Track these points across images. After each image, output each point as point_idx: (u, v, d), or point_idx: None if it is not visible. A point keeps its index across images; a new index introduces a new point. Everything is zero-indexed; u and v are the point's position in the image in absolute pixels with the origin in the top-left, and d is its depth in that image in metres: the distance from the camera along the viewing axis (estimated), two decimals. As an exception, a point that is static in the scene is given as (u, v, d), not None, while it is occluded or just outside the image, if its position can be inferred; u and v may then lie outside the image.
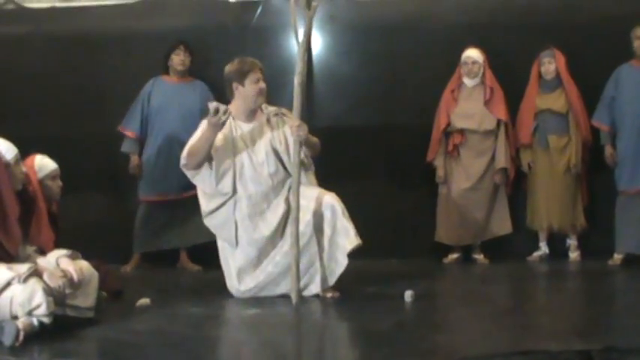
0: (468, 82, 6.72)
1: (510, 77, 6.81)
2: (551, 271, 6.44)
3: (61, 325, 4.08)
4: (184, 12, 7.01)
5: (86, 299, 4.29)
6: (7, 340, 3.87)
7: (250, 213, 5.13)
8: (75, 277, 4.20)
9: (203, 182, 5.17)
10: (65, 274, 4.18)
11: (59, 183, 5.04)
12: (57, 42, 6.89)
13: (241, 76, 5.14)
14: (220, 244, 5.30)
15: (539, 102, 6.69)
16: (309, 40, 5.11)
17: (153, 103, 6.56)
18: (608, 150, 6.55)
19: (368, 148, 6.87)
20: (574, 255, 6.71)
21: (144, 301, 4.94)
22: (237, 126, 5.19)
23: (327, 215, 5.07)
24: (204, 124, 5.08)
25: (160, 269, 6.56)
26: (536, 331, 4.19)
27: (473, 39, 6.73)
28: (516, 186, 6.86)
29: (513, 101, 6.73)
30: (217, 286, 5.37)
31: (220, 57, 6.80)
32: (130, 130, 6.56)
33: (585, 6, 6.95)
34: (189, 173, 5.18)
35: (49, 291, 4.00)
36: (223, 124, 4.98)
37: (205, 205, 5.22)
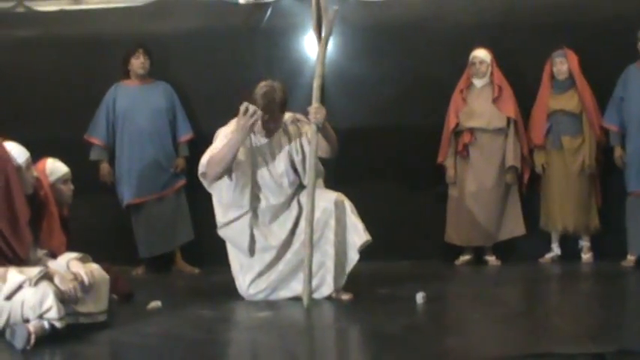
0: (476, 82, 6.70)
1: (520, 77, 6.79)
2: (563, 272, 6.41)
3: (71, 329, 4.09)
4: (193, 14, 7.00)
5: (97, 303, 4.29)
6: (19, 344, 3.88)
7: (267, 222, 5.16)
8: (86, 280, 4.21)
9: (220, 192, 5.17)
10: (76, 277, 4.19)
11: (71, 187, 5.05)
12: (66, 45, 6.89)
13: (254, 104, 5.01)
14: (231, 247, 5.30)
15: (552, 102, 6.65)
16: (327, 43, 5.10)
17: (118, 108, 6.56)
18: (617, 151, 6.52)
19: (378, 149, 6.85)
20: (586, 256, 6.67)
21: (155, 304, 4.94)
22: (257, 139, 5.16)
23: (336, 213, 5.08)
24: (223, 133, 5.08)
25: (166, 273, 6.58)
26: (549, 334, 4.17)
27: (483, 39, 6.71)
28: (531, 187, 6.82)
29: (523, 101, 6.70)
30: (227, 289, 5.37)
31: (229, 58, 6.86)
32: (96, 137, 6.56)
33: (595, 5, 6.92)
34: (205, 182, 5.15)
35: (59, 294, 4.01)
36: (252, 127, 4.93)
37: (221, 215, 5.23)
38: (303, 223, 5.07)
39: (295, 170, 5.20)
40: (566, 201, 6.61)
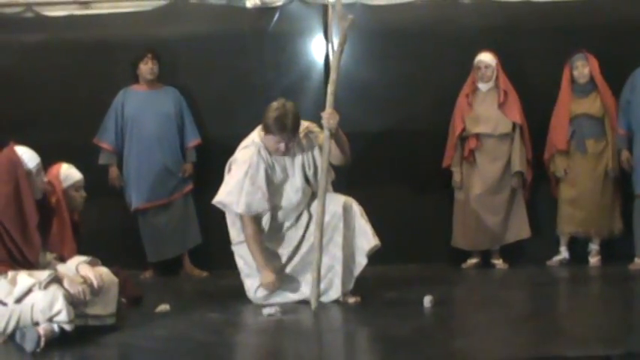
0: (481, 86, 6.71)
1: (526, 81, 6.79)
2: (571, 275, 6.40)
3: (81, 331, 4.11)
4: (202, 18, 7.02)
5: (107, 306, 4.32)
6: (29, 346, 3.91)
7: (280, 231, 5.21)
8: (95, 283, 4.24)
9: (236, 217, 5.22)
10: (85, 281, 4.21)
11: (83, 194, 5.06)
12: (75, 50, 6.90)
13: (266, 129, 5.05)
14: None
15: (574, 107, 6.61)
16: (342, 50, 5.13)
17: (127, 113, 6.59)
18: (624, 154, 6.50)
19: (385, 152, 6.86)
20: (594, 260, 6.66)
21: (163, 307, 4.97)
22: (275, 160, 5.16)
23: (345, 217, 5.10)
24: (241, 164, 5.13)
25: (174, 276, 6.59)
26: (557, 337, 4.18)
27: (490, 43, 6.71)
28: (535, 191, 6.82)
29: (529, 106, 6.70)
30: (235, 292, 5.39)
31: (237, 63, 6.88)
32: (105, 142, 6.59)
33: (602, 8, 6.91)
34: (226, 208, 5.21)
35: (69, 297, 4.03)
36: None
37: (235, 235, 5.28)
38: (312, 227, 5.10)
39: (308, 181, 5.23)
40: (591, 204, 6.58)
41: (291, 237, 5.23)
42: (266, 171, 5.10)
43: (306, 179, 5.22)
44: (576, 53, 6.62)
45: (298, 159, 5.21)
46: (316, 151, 5.20)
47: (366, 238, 5.09)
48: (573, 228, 6.67)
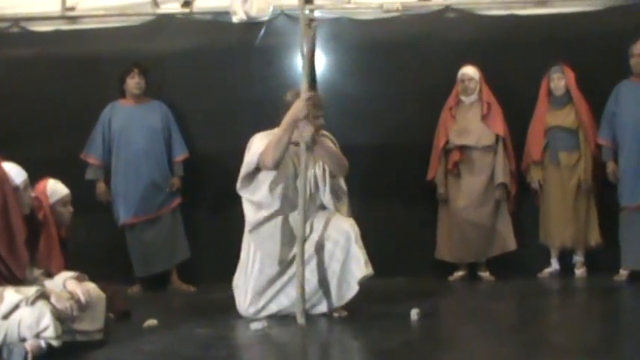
0: (465, 99, 6.76)
1: (510, 94, 6.84)
2: (557, 288, 6.44)
3: (69, 347, 4.10)
4: (188, 33, 7.06)
5: (94, 322, 4.31)
6: (16, 363, 3.89)
7: (291, 232, 5.17)
8: (82, 298, 4.23)
9: (254, 190, 5.19)
10: (72, 296, 4.20)
11: (70, 209, 5.06)
12: (62, 65, 6.93)
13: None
14: (244, 258, 5.33)
15: (550, 118, 6.70)
16: (312, 58, 5.13)
17: (114, 127, 6.60)
18: (610, 166, 6.56)
19: (371, 166, 6.88)
20: (580, 271, 6.70)
21: (151, 322, 4.96)
22: (287, 155, 5.17)
23: (341, 241, 5.07)
24: (258, 137, 5.17)
25: (162, 291, 6.58)
26: (543, 349, 4.19)
27: (474, 57, 6.78)
28: (522, 202, 6.86)
29: (513, 118, 6.75)
30: (223, 306, 5.39)
31: (224, 77, 6.90)
32: (92, 157, 6.59)
33: (586, 22, 6.99)
34: (243, 190, 5.21)
35: (56, 313, 4.02)
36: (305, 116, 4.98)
37: (252, 215, 5.22)
38: (309, 243, 5.09)
39: (317, 186, 5.23)
40: (564, 216, 6.64)
41: (291, 247, 5.20)
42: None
43: (316, 182, 5.22)
44: (554, 66, 6.68)
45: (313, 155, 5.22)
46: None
47: (359, 266, 5.08)
48: (551, 239, 6.72)
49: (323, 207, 5.26)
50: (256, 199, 5.20)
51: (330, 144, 5.22)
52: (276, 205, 5.16)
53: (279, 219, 5.17)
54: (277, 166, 5.06)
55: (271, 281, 5.18)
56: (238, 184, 5.22)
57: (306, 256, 5.03)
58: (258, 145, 5.14)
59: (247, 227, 5.27)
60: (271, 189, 5.15)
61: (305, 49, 5.07)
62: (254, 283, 5.20)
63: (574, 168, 6.66)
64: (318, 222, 5.15)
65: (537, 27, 6.98)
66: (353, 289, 5.08)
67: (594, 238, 6.68)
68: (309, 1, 6.80)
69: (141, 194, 6.53)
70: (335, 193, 5.24)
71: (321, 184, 5.22)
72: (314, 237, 5.09)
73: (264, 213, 5.18)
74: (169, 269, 6.69)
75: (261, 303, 5.19)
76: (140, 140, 6.58)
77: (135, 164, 6.56)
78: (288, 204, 5.17)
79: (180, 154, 6.72)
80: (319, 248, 5.08)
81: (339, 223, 5.13)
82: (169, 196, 6.65)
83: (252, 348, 4.51)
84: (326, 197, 5.21)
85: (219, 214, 6.86)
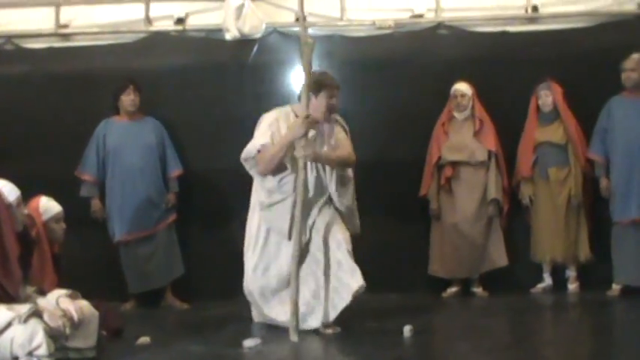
0: (457, 115, 6.79)
1: (503, 110, 6.87)
2: (550, 303, 6.45)
3: (61, 365, 4.09)
4: (182, 50, 7.07)
5: (87, 339, 4.29)
6: (9, 381, 3.88)
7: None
8: (75, 316, 4.21)
9: (265, 179, 5.30)
10: (65, 314, 4.19)
11: (63, 226, 5.06)
12: (55, 82, 6.93)
13: (317, 88, 5.25)
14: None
15: (538, 134, 6.73)
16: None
17: (108, 144, 6.60)
18: (603, 182, 6.58)
19: (364, 182, 6.83)
20: (573, 286, 6.72)
21: (144, 339, 4.95)
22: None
23: (334, 251, 5.13)
24: (267, 121, 5.31)
25: (155, 308, 6.57)
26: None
27: (466, 73, 6.81)
28: (514, 218, 6.88)
29: (505, 134, 6.78)
30: (216, 324, 5.38)
31: (217, 94, 6.92)
32: (87, 174, 6.59)
33: (578, 38, 7.03)
34: (249, 168, 5.33)
35: (49, 331, 4.01)
36: (306, 133, 5.11)
37: (265, 197, 5.32)
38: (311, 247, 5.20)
39: (324, 171, 5.32)
40: (554, 231, 6.66)
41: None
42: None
43: (323, 167, 5.31)
44: (542, 82, 6.72)
45: (319, 141, 5.32)
46: (333, 139, 5.36)
47: (354, 277, 5.09)
48: (541, 255, 6.73)
49: (329, 199, 5.33)
50: (267, 187, 5.30)
51: (335, 156, 5.31)
52: (287, 192, 5.24)
53: (290, 201, 5.23)
54: (274, 174, 5.23)
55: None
56: (243, 156, 5.31)
57: (301, 265, 5.07)
58: (261, 134, 5.28)
59: (258, 207, 5.36)
60: (281, 179, 5.26)
61: (304, 67, 5.14)
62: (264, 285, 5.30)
63: (564, 183, 6.68)
64: (316, 231, 5.19)
65: (529, 44, 7.03)
66: (344, 301, 5.10)
67: (584, 253, 6.69)
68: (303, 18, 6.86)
69: (137, 211, 6.52)
70: (340, 180, 5.34)
71: (327, 172, 5.31)
72: (311, 244, 5.16)
73: (277, 197, 5.28)
74: (164, 286, 6.67)
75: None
76: (135, 157, 6.58)
77: (130, 181, 6.55)
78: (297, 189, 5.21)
79: (175, 170, 6.73)
80: (313, 258, 5.12)
81: (338, 238, 5.16)
82: (165, 212, 6.64)
83: (245, 365, 4.51)
84: (332, 186, 5.30)
85: (212, 231, 6.86)
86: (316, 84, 5.24)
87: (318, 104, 5.27)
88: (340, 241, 5.15)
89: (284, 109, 5.43)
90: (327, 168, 5.31)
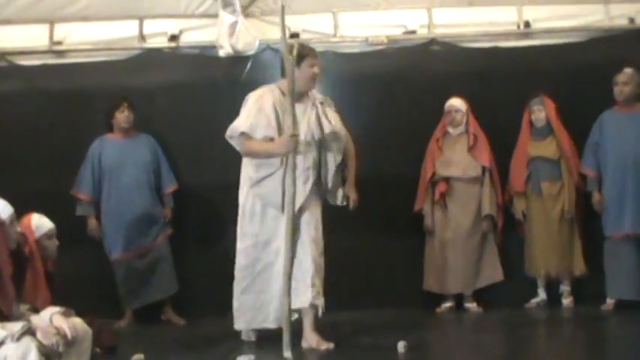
0: (451, 130, 6.81)
1: (497, 126, 6.89)
2: (544, 318, 6.45)
3: (54, 383, 4.07)
4: (176, 67, 7.08)
5: (80, 357, 4.28)
6: (1, 400, 3.86)
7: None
8: (69, 334, 4.20)
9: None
10: (59, 332, 4.18)
11: (55, 242, 5.04)
12: (49, 98, 6.92)
13: (299, 59, 5.29)
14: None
15: (531, 149, 6.75)
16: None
17: (104, 162, 6.60)
18: (595, 196, 6.59)
19: (359, 197, 6.89)
20: (567, 301, 6.72)
21: (138, 356, 4.94)
22: (285, 109, 5.30)
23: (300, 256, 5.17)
24: (253, 98, 5.42)
25: (149, 324, 6.55)
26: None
27: (459, 88, 6.83)
28: (507, 233, 6.89)
29: (499, 149, 6.80)
30: (210, 341, 5.37)
31: (211, 111, 6.92)
32: (83, 193, 6.58)
33: (571, 53, 7.06)
34: (234, 144, 5.41)
35: (42, 349, 4.00)
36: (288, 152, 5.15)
37: (253, 172, 5.35)
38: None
39: (314, 145, 5.37)
40: (548, 246, 6.67)
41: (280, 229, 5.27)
42: (274, 105, 5.30)
43: (314, 140, 5.35)
44: (534, 97, 6.74)
45: (310, 115, 5.38)
46: (324, 119, 5.41)
47: (299, 299, 5.12)
48: (535, 269, 6.74)
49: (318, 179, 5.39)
50: (254, 161, 5.35)
51: (354, 170, 5.58)
52: (276, 165, 5.27)
53: (279, 174, 5.26)
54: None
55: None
56: (227, 134, 5.40)
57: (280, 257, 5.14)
58: (247, 112, 5.36)
59: (248, 183, 5.38)
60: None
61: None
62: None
63: (557, 198, 6.69)
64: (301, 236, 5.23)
65: (521, 59, 7.05)
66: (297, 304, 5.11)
67: (579, 267, 6.70)
68: (295, 35, 6.89)
69: (134, 228, 6.51)
70: (333, 136, 5.42)
71: (315, 139, 5.37)
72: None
73: (265, 171, 5.30)
74: (162, 301, 6.65)
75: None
76: (131, 174, 6.58)
77: (127, 198, 6.55)
78: (288, 162, 5.23)
79: (170, 186, 6.74)
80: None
81: (306, 239, 5.21)
82: (160, 229, 6.64)
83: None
84: (329, 177, 5.42)
85: (206, 247, 6.86)
86: (297, 56, 5.28)
87: (302, 74, 5.33)
88: (313, 257, 5.20)
89: (269, 86, 5.51)
90: (329, 160, 5.40)
